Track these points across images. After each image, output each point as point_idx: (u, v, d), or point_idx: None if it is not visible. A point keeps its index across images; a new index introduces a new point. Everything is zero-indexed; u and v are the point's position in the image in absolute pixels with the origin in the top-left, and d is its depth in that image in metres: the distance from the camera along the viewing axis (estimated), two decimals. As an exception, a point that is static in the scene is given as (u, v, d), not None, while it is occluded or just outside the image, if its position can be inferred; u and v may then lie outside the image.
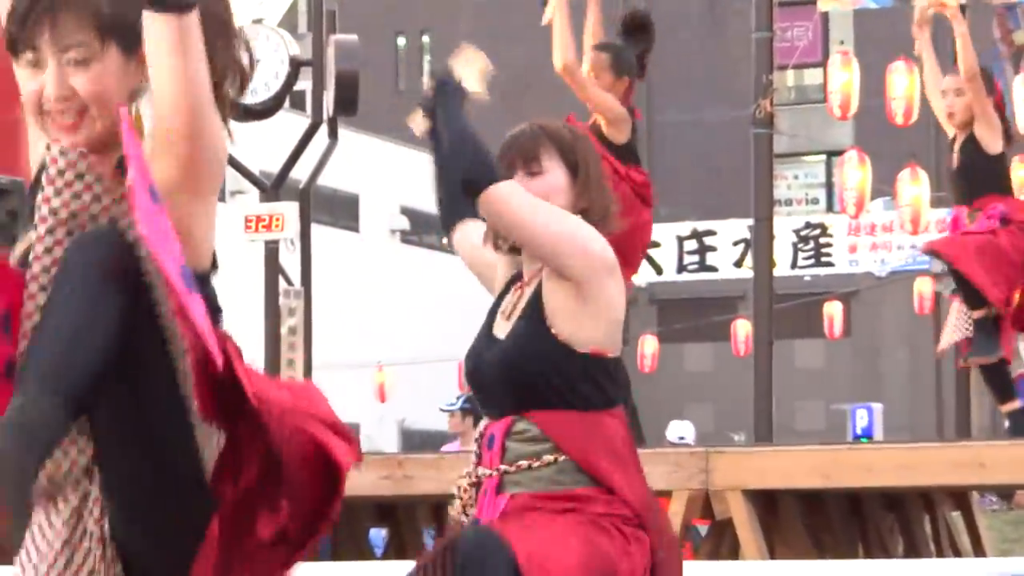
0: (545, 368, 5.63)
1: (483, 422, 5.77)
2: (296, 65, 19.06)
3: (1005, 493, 19.38)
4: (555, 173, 5.62)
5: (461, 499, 5.70)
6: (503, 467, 5.61)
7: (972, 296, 11.41)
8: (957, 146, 11.63)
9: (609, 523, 5.57)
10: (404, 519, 10.41)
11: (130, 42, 3.88)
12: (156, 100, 3.84)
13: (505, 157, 5.61)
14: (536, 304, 5.63)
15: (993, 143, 11.38)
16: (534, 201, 5.47)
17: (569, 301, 5.57)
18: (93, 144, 3.92)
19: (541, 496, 5.58)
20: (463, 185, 5.49)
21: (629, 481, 5.63)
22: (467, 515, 5.65)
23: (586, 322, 5.60)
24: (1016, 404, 11.37)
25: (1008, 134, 11.58)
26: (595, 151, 5.76)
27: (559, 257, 5.54)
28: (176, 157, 3.87)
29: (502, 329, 5.69)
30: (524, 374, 5.62)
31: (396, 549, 10.55)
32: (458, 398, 20.92)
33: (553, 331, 5.60)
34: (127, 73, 3.94)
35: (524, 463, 5.62)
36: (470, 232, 5.82)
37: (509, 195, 5.53)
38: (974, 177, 11.54)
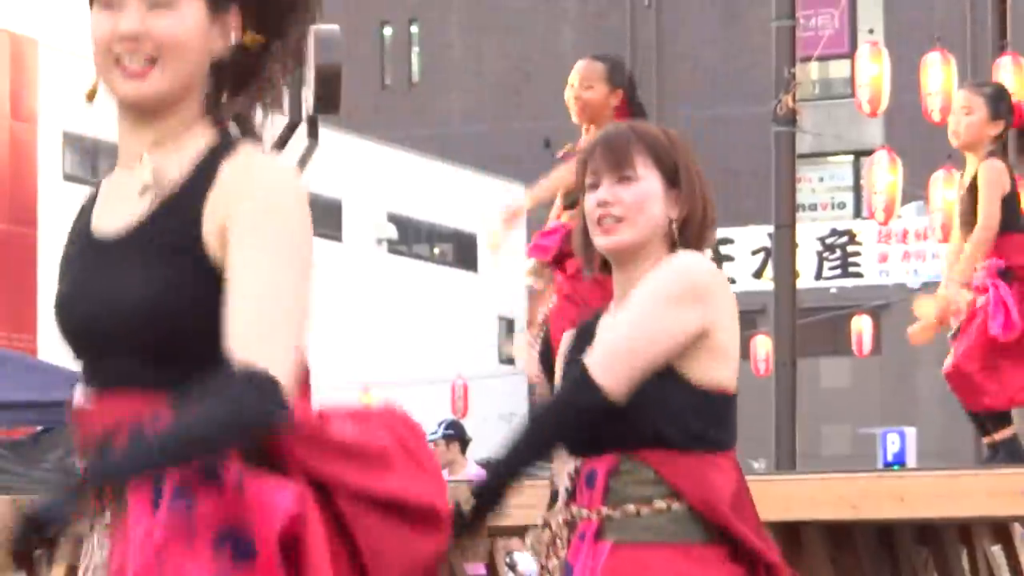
0: (658, 402, 5.43)
1: (571, 461, 5.59)
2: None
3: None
4: (650, 180, 5.44)
5: (552, 535, 5.59)
6: (606, 511, 5.46)
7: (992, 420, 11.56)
8: (967, 172, 11.60)
9: None
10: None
11: (219, 2, 3.95)
12: None
13: (592, 161, 5.41)
14: None
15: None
16: (615, 348, 5.47)
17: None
18: (153, 103, 3.98)
19: (651, 547, 5.41)
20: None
21: (759, 533, 5.41)
22: (556, 557, 5.48)
23: (703, 355, 5.49)
24: (1008, 432, 11.52)
25: None
26: (694, 158, 5.50)
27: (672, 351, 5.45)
28: None
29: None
30: (634, 408, 5.39)
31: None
32: (439, 425, 21.09)
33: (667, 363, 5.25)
34: (208, 34, 3.99)
35: (632, 508, 5.45)
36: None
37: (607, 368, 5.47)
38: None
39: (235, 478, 3.87)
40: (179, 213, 3.92)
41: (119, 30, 3.89)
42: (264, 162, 3.99)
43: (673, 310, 5.46)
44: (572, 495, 5.49)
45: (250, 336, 3.84)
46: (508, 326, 37.18)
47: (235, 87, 4.11)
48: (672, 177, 5.39)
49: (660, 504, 5.37)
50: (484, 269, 36.04)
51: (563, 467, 5.60)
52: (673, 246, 5.45)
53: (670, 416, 5.42)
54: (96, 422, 3.96)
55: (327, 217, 33.82)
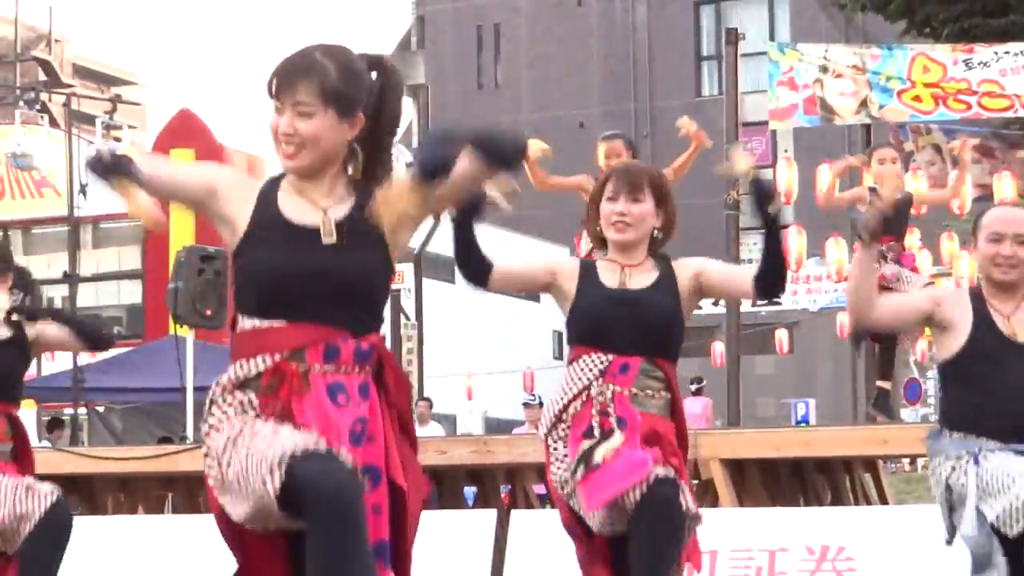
0: (675, 329, 5.54)
1: (604, 356, 5.48)
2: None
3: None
4: (649, 202, 5.50)
5: (602, 401, 5.38)
6: (635, 390, 5.42)
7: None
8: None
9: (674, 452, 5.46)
10: (487, 480, 10.37)
11: (346, 110, 4.11)
12: (422, 212, 4.14)
13: (615, 183, 5.51)
14: (670, 283, 5.53)
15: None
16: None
17: (691, 294, 5.53)
18: (304, 171, 4.14)
19: (658, 420, 5.43)
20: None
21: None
22: (607, 413, 5.37)
23: (690, 305, 5.57)
24: (887, 385, 11.17)
25: None
26: (671, 191, 5.74)
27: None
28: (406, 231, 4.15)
29: (629, 285, 5.50)
30: (663, 328, 5.48)
31: (482, 501, 10.50)
32: (533, 395, 20.95)
33: (680, 304, 5.51)
34: (339, 130, 4.12)
35: (650, 391, 5.43)
36: (505, 270, 5.66)
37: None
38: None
39: None
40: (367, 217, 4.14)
41: (280, 129, 4.08)
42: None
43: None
44: (603, 376, 5.41)
45: None
46: (558, 336, 36.66)
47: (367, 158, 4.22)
48: (660, 202, 5.54)
49: (664, 393, 5.43)
50: (544, 301, 35.82)
51: (589, 363, 5.51)
52: (652, 243, 5.56)
53: (678, 340, 5.54)
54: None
55: (445, 269, 33.49)
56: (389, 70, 4.29)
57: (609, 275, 5.52)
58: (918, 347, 25.57)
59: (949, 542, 5.73)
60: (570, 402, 5.42)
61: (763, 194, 5.29)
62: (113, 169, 4.06)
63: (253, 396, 4.04)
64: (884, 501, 10.50)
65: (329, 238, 4.07)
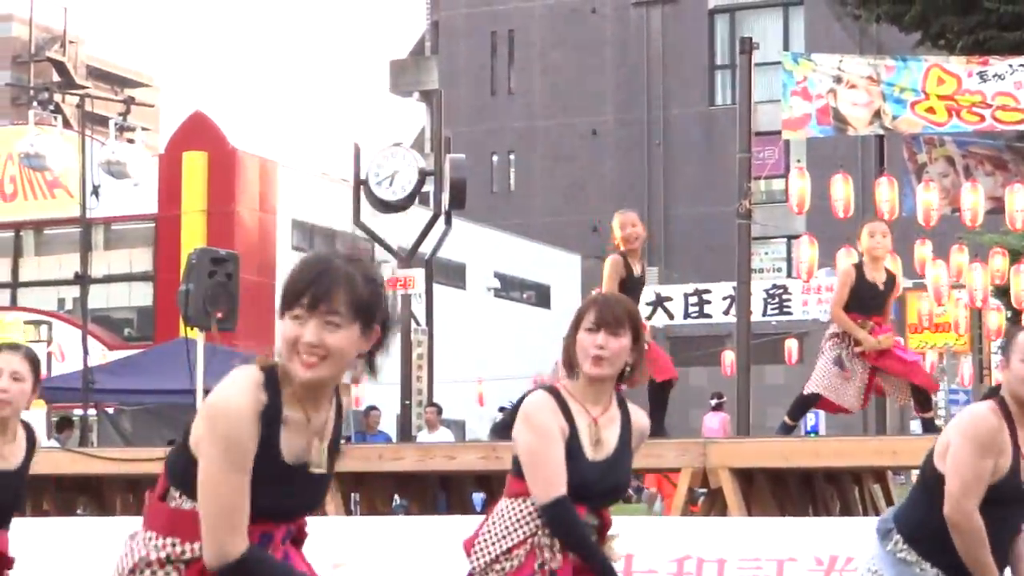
0: (627, 487, 5.60)
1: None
2: (423, 174, 19.93)
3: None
4: (627, 337, 5.33)
5: (546, 555, 5.21)
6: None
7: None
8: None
9: None
10: (496, 486, 10.38)
11: (367, 323, 4.07)
12: None
13: (596, 314, 5.32)
14: (628, 436, 5.40)
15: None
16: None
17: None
18: (320, 383, 4.08)
19: None
20: None
21: None
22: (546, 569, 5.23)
23: None
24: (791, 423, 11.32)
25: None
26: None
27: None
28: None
29: (599, 454, 5.30)
30: (619, 491, 5.47)
31: (490, 507, 10.53)
32: (511, 402, 20.98)
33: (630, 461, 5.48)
34: (358, 343, 4.07)
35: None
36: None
37: None
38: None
39: None
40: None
41: (304, 340, 3.98)
42: None
43: None
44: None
45: None
46: (568, 343, 36.85)
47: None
48: (636, 338, 5.35)
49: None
50: (554, 307, 35.87)
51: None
52: (621, 377, 5.39)
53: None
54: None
55: (456, 275, 33.75)
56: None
57: (587, 440, 5.28)
58: (927, 359, 25.59)
59: None
60: (513, 548, 5.23)
61: None
62: None
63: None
64: (892, 511, 10.54)
65: (319, 469, 4.09)
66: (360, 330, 4.00)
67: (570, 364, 5.38)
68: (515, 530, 5.22)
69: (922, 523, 5.44)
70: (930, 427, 11.29)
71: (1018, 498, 5.45)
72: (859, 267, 11.18)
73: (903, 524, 5.51)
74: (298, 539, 4.26)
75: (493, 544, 5.25)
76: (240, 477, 3.91)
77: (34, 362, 6.40)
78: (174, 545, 4.03)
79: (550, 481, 5.11)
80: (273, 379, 4.03)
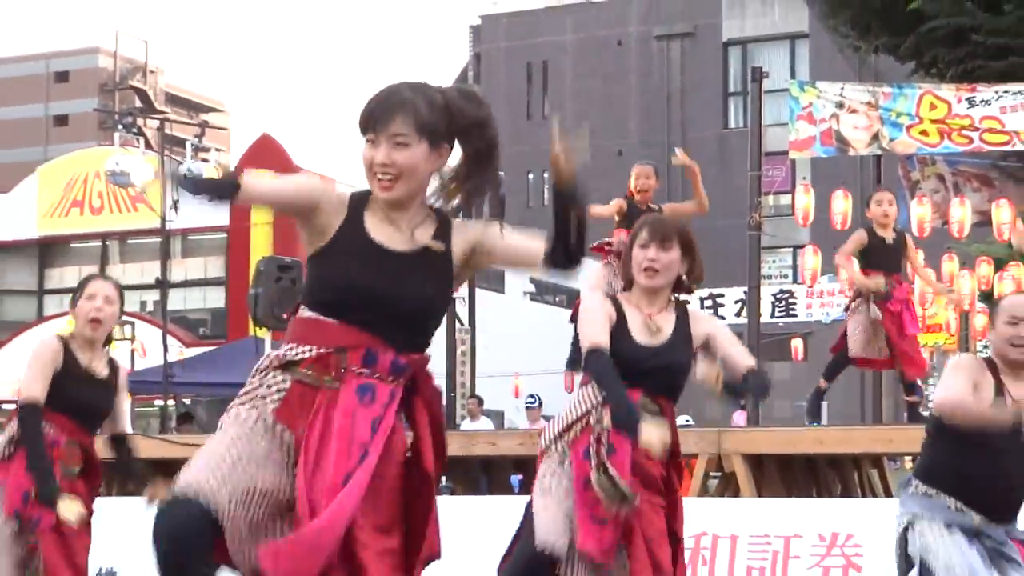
0: (682, 376, 5.50)
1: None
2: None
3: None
4: (676, 251, 5.43)
5: (599, 429, 5.29)
6: None
7: None
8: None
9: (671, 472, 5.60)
10: (532, 470, 10.41)
11: (435, 141, 4.01)
12: (519, 261, 4.23)
13: (648, 231, 5.46)
14: (686, 331, 5.47)
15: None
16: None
17: (699, 348, 5.49)
18: (398, 201, 4.02)
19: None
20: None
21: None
22: (600, 441, 5.28)
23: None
24: (824, 384, 11.30)
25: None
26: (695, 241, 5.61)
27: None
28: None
29: (653, 340, 5.42)
30: (671, 377, 5.44)
31: (527, 488, 10.53)
32: (532, 398, 20.82)
33: (692, 354, 5.50)
34: (430, 160, 4.02)
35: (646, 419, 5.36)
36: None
37: None
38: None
39: None
40: (446, 250, 4.06)
41: (377, 160, 3.95)
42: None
43: None
44: (604, 403, 5.33)
45: None
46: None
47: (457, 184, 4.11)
48: (686, 250, 5.47)
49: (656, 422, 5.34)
50: (583, 310, 35.93)
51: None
52: (678, 286, 5.52)
53: (681, 387, 5.49)
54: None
55: (496, 280, 33.69)
56: (480, 105, 4.12)
57: (638, 328, 5.44)
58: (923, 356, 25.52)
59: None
60: (572, 423, 5.36)
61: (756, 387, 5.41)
62: (213, 192, 3.93)
63: (287, 382, 3.95)
64: (888, 494, 10.47)
65: (403, 247, 3.98)
66: (428, 148, 3.96)
67: (628, 278, 5.52)
68: (574, 411, 5.36)
69: (933, 463, 5.55)
70: (914, 414, 11.25)
71: (1007, 443, 5.48)
72: (869, 229, 11.02)
73: (919, 470, 5.63)
74: (419, 401, 4.06)
75: (558, 423, 5.41)
76: (299, 180, 3.97)
77: (120, 290, 6.66)
78: (290, 348, 3.99)
79: (589, 336, 5.26)
80: (363, 195, 4.05)
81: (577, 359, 5.83)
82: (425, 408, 4.06)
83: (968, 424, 5.45)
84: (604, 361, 5.24)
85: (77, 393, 6.44)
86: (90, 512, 6.60)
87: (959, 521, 5.48)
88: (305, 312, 4.02)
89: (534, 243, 4.16)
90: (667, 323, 5.47)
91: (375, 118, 3.97)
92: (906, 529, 5.56)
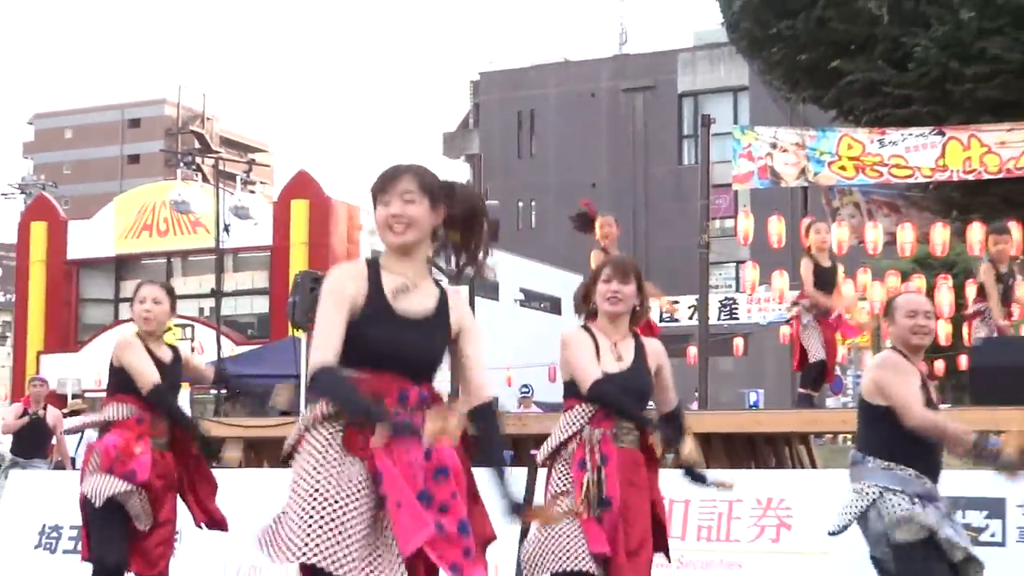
0: (649, 392, 5.44)
1: (586, 407, 5.31)
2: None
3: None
4: (633, 286, 5.41)
5: (592, 441, 5.26)
6: (614, 430, 5.28)
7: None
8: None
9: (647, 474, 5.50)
10: (521, 446, 10.38)
11: (434, 199, 4.03)
12: (460, 372, 4.11)
13: (611, 268, 5.44)
14: (643, 355, 5.40)
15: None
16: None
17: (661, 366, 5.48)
18: (407, 248, 4.02)
19: (632, 451, 5.31)
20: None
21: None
22: (594, 451, 5.24)
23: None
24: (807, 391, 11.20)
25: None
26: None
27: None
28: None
29: (619, 366, 5.31)
30: (642, 396, 5.38)
31: (517, 462, 10.51)
32: (527, 387, 20.67)
33: (649, 377, 5.43)
34: (430, 215, 4.02)
35: (625, 430, 5.29)
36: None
37: None
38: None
39: None
40: (445, 313, 4.04)
41: (391, 212, 3.98)
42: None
43: None
44: (591, 421, 5.30)
45: (484, 376, 4.10)
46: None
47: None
48: (639, 286, 5.46)
49: (634, 431, 5.29)
50: (564, 315, 35.77)
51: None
52: (633, 315, 5.44)
53: (649, 399, 5.44)
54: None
55: (491, 290, 33.61)
56: (468, 192, 4.16)
57: (608, 357, 5.35)
58: (839, 351, 25.56)
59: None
60: (568, 440, 5.30)
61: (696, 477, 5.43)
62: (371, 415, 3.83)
63: (338, 432, 3.84)
64: (814, 465, 10.46)
65: (419, 313, 3.96)
66: (430, 205, 3.98)
67: (591, 309, 5.47)
68: (568, 429, 5.30)
69: (889, 441, 5.34)
70: (804, 399, 11.32)
71: (931, 407, 5.44)
72: (812, 257, 11.07)
73: (876, 449, 5.40)
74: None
75: (554, 440, 5.34)
76: (336, 316, 3.84)
77: (170, 291, 6.67)
78: (330, 404, 3.89)
79: (587, 372, 5.21)
80: (374, 261, 4.04)
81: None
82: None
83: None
84: (609, 390, 5.20)
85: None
86: (179, 480, 6.56)
87: (922, 490, 5.31)
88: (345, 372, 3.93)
89: (476, 379, 4.09)
90: (628, 351, 5.41)
91: (389, 180, 4.00)
92: (875, 502, 5.32)
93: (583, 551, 5.08)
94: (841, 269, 12.12)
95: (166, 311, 6.60)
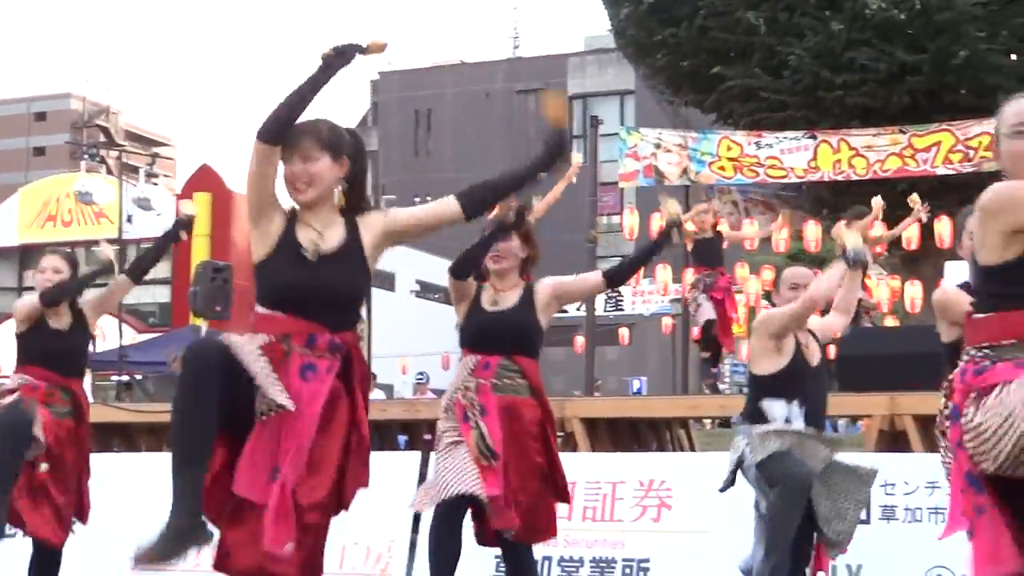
0: (531, 334, 5.43)
1: (475, 357, 5.35)
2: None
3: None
4: (516, 240, 5.50)
5: (469, 390, 5.28)
6: (495, 380, 5.28)
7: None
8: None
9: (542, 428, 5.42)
10: (415, 430, 10.34)
11: (336, 154, 4.00)
12: (437, 221, 4.05)
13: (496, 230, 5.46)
14: (529, 300, 5.46)
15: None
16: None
17: (547, 305, 5.50)
18: (310, 204, 4.00)
19: (518, 399, 5.28)
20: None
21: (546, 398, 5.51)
22: (471, 400, 5.26)
23: (548, 315, 5.54)
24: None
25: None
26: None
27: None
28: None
29: (499, 307, 5.40)
30: (518, 336, 5.39)
31: (410, 446, 10.46)
32: (421, 374, 20.59)
33: (537, 315, 5.45)
34: (332, 170, 3.99)
35: (508, 380, 5.29)
36: (464, 284, 5.49)
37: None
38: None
39: None
40: (356, 241, 3.98)
41: (292, 171, 3.96)
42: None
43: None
44: (473, 372, 5.34)
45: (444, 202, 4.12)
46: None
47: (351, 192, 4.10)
48: (524, 239, 5.55)
49: (520, 380, 5.31)
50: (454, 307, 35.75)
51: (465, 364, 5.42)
52: (524, 268, 5.56)
53: (532, 344, 5.43)
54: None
55: (387, 281, 33.50)
56: (359, 137, 4.17)
57: (487, 299, 5.46)
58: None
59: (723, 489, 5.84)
60: (456, 391, 5.32)
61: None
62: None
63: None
64: (692, 449, 10.58)
65: (313, 258, 3.91)
66: (332, 160, 3.94)
67: (481, 270, 5.50)
68: (456, 381, 5.34)
69: (759, 408, 5.63)
70: (705, 362, 11.65)
71: (806, 371, 5.70)
72: (691, 235, 11.50)
73: (750, 415, 5.67)
74: (354, 375, 3.94)
75: (448, 392, 5.36)
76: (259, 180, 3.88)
77: (72, 260, 6.58)
78: (251, 338, 3.90)
79: (458, 309, 5.42)
80: (294, 212, 4.01)
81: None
82: (360, 380, 3.99)
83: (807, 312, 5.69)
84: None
85: (47, 345, 6.29)
86: (84, 451, 6.36)
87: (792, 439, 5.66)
88: (259, 308, 3.94)
89: (445, 204, 4.05)
90: (511, 298, 5.46)
91: (291, 144, 3.95)
92: (746, 446, 5.61)
93: (476, 479, 5.08)
94: (726, 239, 12.41)
95: (65, 280, 6.45)
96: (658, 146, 15.24)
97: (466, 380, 5.31)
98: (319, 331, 3.86)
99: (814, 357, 5.83)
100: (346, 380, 3.92)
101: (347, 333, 3.94)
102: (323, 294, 3.89)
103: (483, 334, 5.38)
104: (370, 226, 4.04)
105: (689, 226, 11.31)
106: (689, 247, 11.60)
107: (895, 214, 13.08)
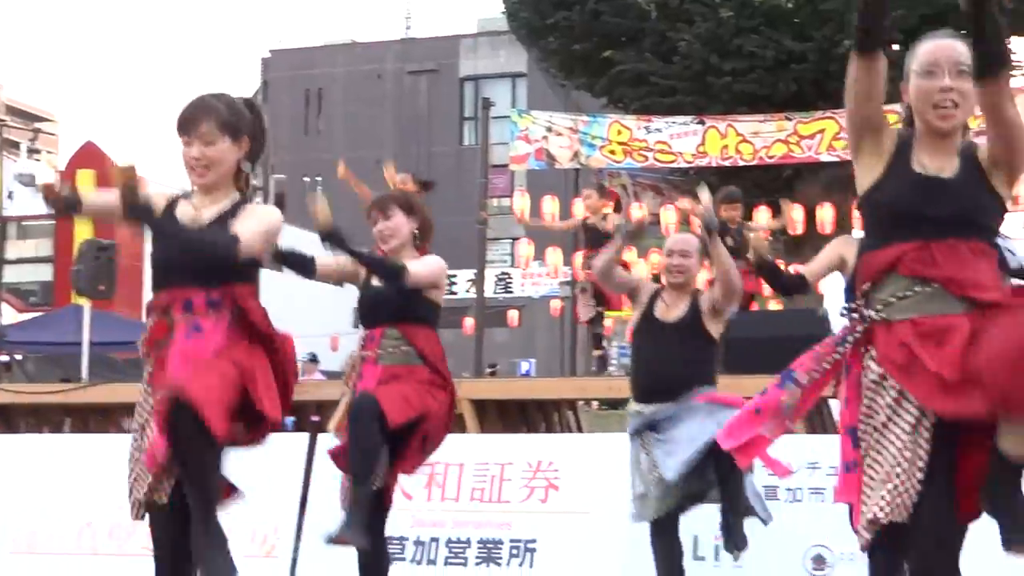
0: (411, 304, 5.34)
1: (361, 331, 5.38)
2: (255, 189, 18.92)
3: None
4: (399, 215, 5.36)
5: (355, 366, 5.28)
6: (379, 351, 5.20)
7: None
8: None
9: (429, 384, 5.23)
10: (302, 412, 10.23)
11: (235, 135, 4.01)
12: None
13: (373, 208, 5.42)
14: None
15: None
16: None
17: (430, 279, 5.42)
18: (211, 187, 4.02)
19: (400, 367, 5.17)
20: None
21: (444, 367, 5.34)
22: (357, 372, 5.24)
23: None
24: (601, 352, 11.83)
25: None
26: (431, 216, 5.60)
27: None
28: None
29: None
30: (394, 306, 5.31)
31: (298, 427, 10.36)
32: (310, 354, 20.43)
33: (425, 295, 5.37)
34: (232, 151, 4.01)
35: (391, 349, 5.20)
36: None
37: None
38: None
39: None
40: (226, 219, 3.99)
41: (191, 155, 3.98)
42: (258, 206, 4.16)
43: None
44: (364, 346, 5.28)
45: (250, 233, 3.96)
46: (355, 312, 36.47)
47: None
48: (409, 212, 5.42)
49: (404, 348, 5.20)
50: (347, 287, 35.55)
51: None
52: (415, 241, 5.39)
53: (414, 313, 5.30)
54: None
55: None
56: (259, 110, 4.21)
57: (373, 278, 5.37)
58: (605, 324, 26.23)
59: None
60: (352, 365, 5.34)
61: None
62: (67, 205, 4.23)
63: (149, 367, 3.99)
64: (580, 430, 10.66)
65: (193, 224, 3.97)
66: (231, 141, 3.96)
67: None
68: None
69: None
70: (602, 364, 11.89)
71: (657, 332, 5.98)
72: (587, 226, 11.70)
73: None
74: (248, 322, 3.98)
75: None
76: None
77: None
78: (145, 323, 4.07)
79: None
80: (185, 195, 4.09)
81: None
82: (256, 323, 4.01)
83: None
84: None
85: None
86: None
87: (639, 423, 5.85)
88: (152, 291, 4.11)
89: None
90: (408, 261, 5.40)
91: (187, 123, 3.98)
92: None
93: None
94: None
95: None
96: (549, 129, 15.27)
97: (355, 355, 5.31)
98: (193, 294, 3.91)
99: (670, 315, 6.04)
100: (247, 328, 3.97)
101: (226, 288, 3.94)
102: (187, 258, 3.92)
103: (365, 308, 5.41)
104: (248, 216, 4.03)
105: (578, 210, 11.44)
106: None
107: (778, 198, 13.41)
